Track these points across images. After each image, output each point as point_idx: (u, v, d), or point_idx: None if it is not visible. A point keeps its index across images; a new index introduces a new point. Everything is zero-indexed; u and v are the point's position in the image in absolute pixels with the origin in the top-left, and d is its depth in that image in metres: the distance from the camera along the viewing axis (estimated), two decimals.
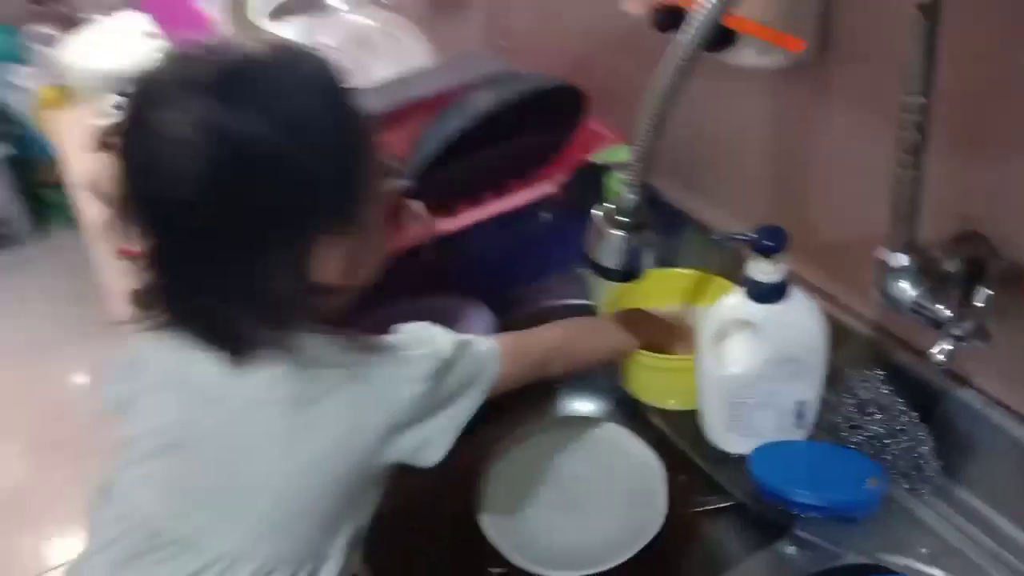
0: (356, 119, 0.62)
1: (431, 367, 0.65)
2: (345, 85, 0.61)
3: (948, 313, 0.61)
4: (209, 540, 0.62)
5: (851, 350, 0.80)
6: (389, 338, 0.67)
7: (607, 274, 0.68)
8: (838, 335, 0.79)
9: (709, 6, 0.54)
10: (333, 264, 0.62)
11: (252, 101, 0.56)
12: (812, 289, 0.80)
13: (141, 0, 1.32)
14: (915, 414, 0.74)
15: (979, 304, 0.61)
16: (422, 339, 0.68)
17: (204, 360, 0.62)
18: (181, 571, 0.62)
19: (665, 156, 0.99)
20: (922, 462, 0.74)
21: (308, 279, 0.61)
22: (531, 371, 0.79)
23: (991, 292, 0.61)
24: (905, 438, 0.75)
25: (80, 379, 2.32)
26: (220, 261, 0.59)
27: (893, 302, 0.64)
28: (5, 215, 2.80)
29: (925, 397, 0.74)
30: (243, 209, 0.57)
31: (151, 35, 1.81)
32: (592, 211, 0.68)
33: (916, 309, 0.63)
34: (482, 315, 0.96)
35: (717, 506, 0.85)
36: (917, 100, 0.57)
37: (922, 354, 0.74)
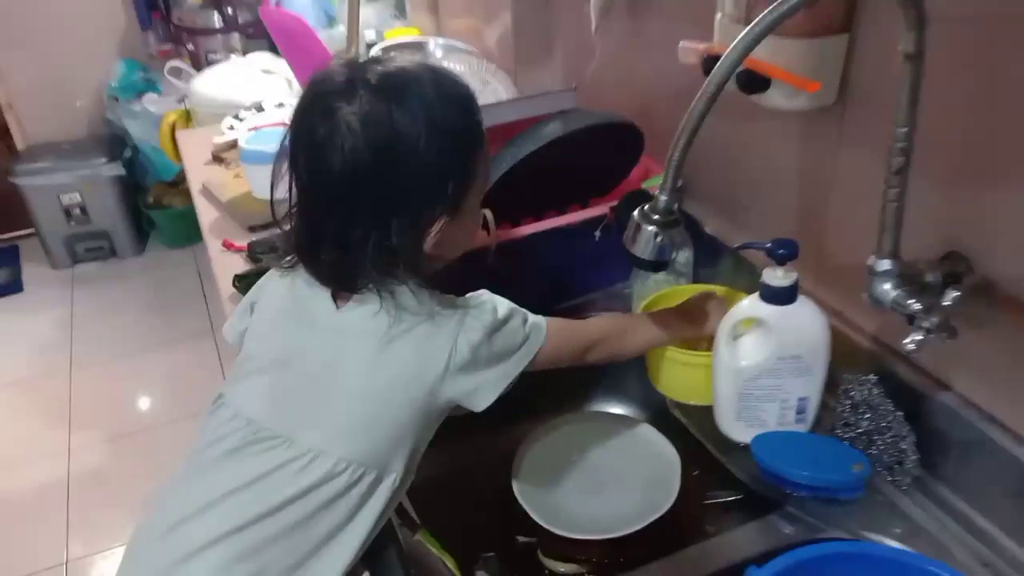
0: (478, 127, 0.79)
1: (488, 321, 0.80)
2: (472, 100, 0.79)
3: (918, 307, 0.73)
4: (299, 436, 0.77)
5: (849, 357, 0.91)
6: (459, 297, 0.82)
7: (641, 264, 0.82)
8: (839, 343, 0.91)
9: (733, 54, 0.69)
10: (440, 237, 0.78)
11: (406, 102, 0.73)
12: (818, 300, 0.92)
13: (274, 35, 1.52)
14: (900, 414, 0.85)
15: (946, 303, 0.73)
16: (484, 301, 0.83)
17: (314, 297, 0.79)
18: (274, 461, 0.77)
19: (704, 187, 1.15)
20: (904, 456, 0.85)
21: (421, 246, 0.77)
22: (572, 355, 0.92)
23: (958, 293, 0.73)
24: (890, 434, 0.86)
25: (155, 381, 2.53)
26: (358, 221, 0.75)
27: (876, 301, 0.77)
28: (110, 230, 3.08)
29: (911, 399, 0.85)
30: (387, 184, 0.73)
31: (268, 71, 2.06)
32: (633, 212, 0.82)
33: (894, 307, 0.75)
34: None
35: (726, 499, 0.96)
36: (902, 130, 0.71)
37: (910, 361, 0.87)
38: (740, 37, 0.68)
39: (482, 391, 0.81)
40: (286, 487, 0.76)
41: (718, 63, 0.70)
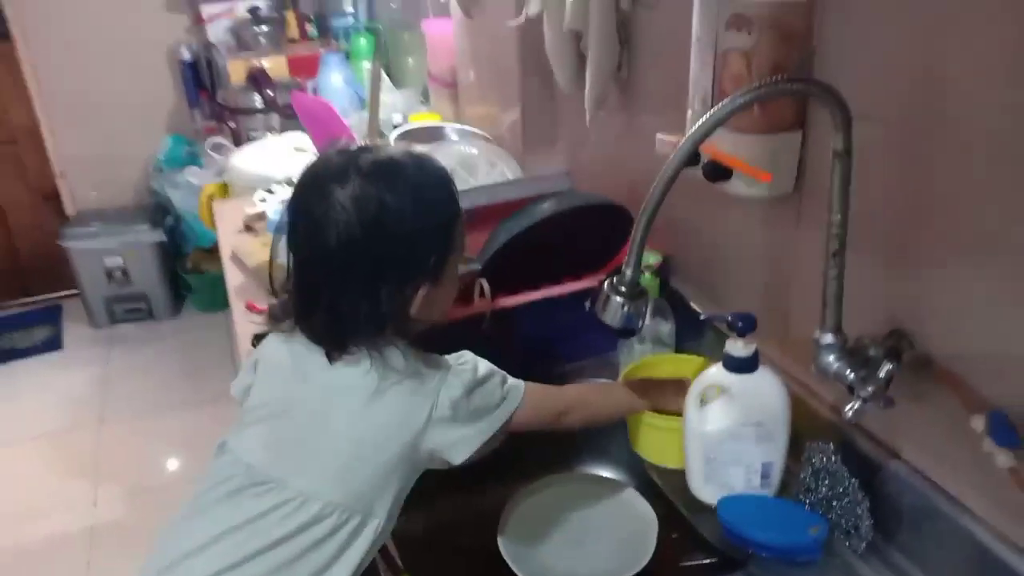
0: (455, 204, 0.90)
1: (468, 380, 0.88)
2: (449, 181, 0.91)
3: (853, 377, 0.79)
4: (290, 481, 0.85)
5: (812, 425, 0.98)
6: (443, 357, 0.91)
7: (611, 331, 0.90)
8: (802, 412, 0.97)
9: (686, 144, 0.79)
10: (423, 302, 0.87)
11: (393, 184, 0.84)
12: (784, 370, 0.99)
13: (302, 118, 1.66)
14: (856, 480, 0.91)
15: (882, 375, 0.79)
16: (466, 361, 0.91)
17: (309, 355, 0.88)
18: (267, 503, 0.85)
19: (687, 267, 1.24)
20: (859, 521, 0.90)
21: (407, 311, 0.86)
22: (548, 418, 1.00)
23: (891, 366, 0.79)
24: (847, 500, 0.91)
25: (180, 439, 2.62)
26: (350, 289, 0.84)
27: (821, 371, 0.84)
28: (149, 293, 3.23)
29: (866, 466, 0.91)
30: (376, 256, 0.83)
31: (300, 149, 2.21)
32: (602, 284, 0.91)
33: (836, 378, 0.82)
34: None
35: (701, 562, 1.01)
36: (836, 216, 0.79)
37: (866, 431, 0.93)
38: (691, 130, 0.78)
39: (460, 445, 0.89)
40: (277, 528, 0.84)
41: (673, 152, 0.79)
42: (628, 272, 0.87)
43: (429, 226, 0.85)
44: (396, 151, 0.89)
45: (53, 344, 3.18)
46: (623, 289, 0.88)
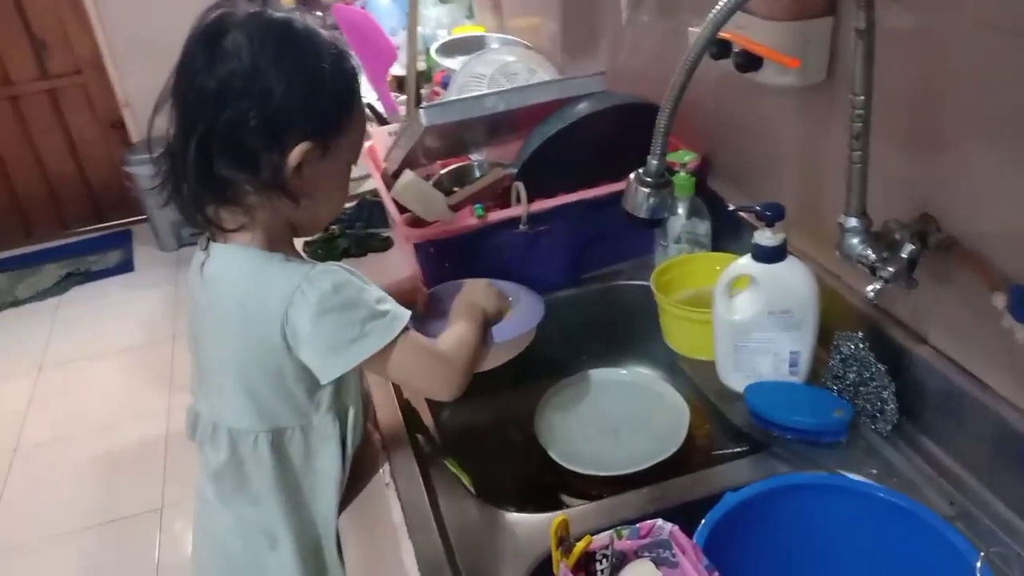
0: (342, 81, 0.84)
1: (316, 300, 0.82)
2: (337, 58, 0.84)
3: (874, 258, 0.80)
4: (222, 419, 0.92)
5: (843, 315, 0.99)
6: (304, 265, 0.85)
7: (636, 221, 0.93)
8: (834, 303, 0.98)
9: (706, 30, 0.79)
10: (308, 171, 0.82)
11: (263, 41, 0.79)
12: (818, 263, 1.00)
13: (345, 31, 1.69)
14: (883, 367, 0.92)
15: (903, 255, 0.80)
16: (327, 276, 0.83)
17: (195, 272, 0.89)
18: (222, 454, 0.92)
19: (724, 165, 1.24)
20: (885, 405, 0.92)
21: (282, 167, 0.81)
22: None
23: (913, 246, 0.80)
24: (874, 385, 0.93)
25: None
26: (207, 146, 0.79)
27: (845, 255, 0.85)
28: None
29: (893, 353, 0.92)
30: (230, 110, 0.79)
31: None
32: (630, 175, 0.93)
33: (859, 260, 0.83)
34: (535, 303, 1.11)
35: (733, 450, 1.05)
36: (859, 98, 0.79)
37: (895, 319, 0.94)
38: (711, 14, 0.78)
39: (319, 371, 0.86)
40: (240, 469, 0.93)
41: (695, 37, 0.80)
42: (653, 162, 0.89)
43: (294, 90, 0.79)
44: (290, 17, 0.84)
45: (126, 266, 3.34)
46: (648, 179, 0.90)
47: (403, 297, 0.97)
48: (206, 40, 0.80)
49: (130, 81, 3.45)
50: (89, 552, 2.17)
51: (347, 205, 1.55)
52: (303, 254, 0.97)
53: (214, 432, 0.92)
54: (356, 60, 0.90)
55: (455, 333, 0.96)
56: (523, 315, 1.07)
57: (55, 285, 3.33)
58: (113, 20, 3.34)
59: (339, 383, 0.90)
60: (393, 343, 0.86)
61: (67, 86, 3.52)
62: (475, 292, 1.07)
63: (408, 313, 0.89)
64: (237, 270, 0.86)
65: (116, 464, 2.42)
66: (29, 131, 3.57)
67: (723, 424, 1.05)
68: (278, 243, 0.88)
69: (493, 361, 1.03)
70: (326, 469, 0.92)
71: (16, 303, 3.27)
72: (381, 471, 0.97)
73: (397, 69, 1.86)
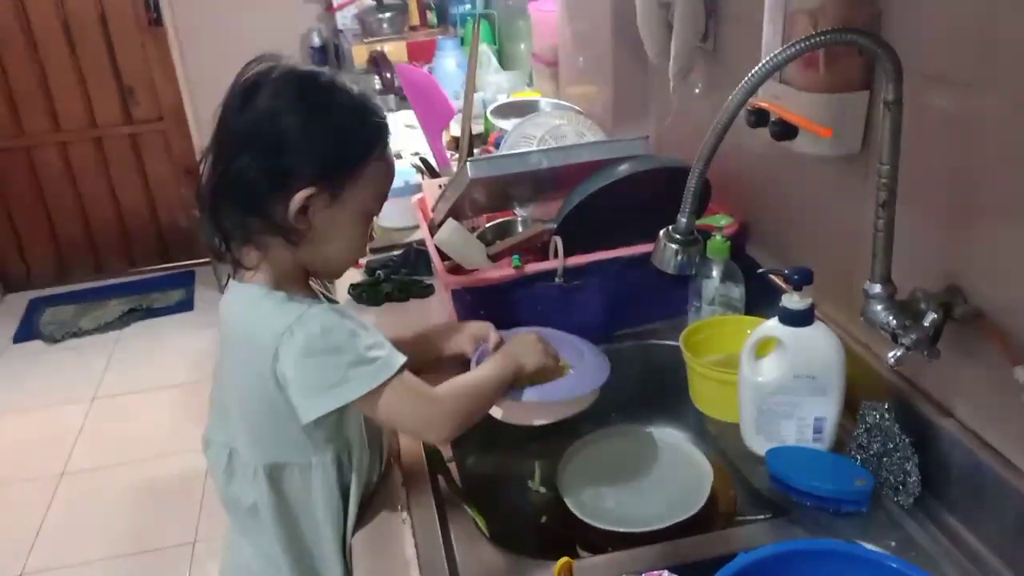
0: (365, 130, 0.89)
1: (302, 342, 0.84)
2: (362, 106, 0.90)
3: (896, 324, 0.81)
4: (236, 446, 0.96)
5: (870, 384, 0.98)
6: (300, 305, 0.88)
7: (663, 276, 0.95)
8: (862, 371, 0.98)
9: (739, 95, 0.82)
10: (313, 216, 0.86)
11: (287, 92, 0.85)
12: (848, 332, 1.00)
13: (406, 89, 1.77)
14: (908, 438, 0.91)
15: (926, 323, 0.80)
16: (314, 318, 0.86)
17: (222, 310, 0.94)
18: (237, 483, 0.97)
19: (760, 232, 1.25)
20: (908, 478, 0.91)
21: (285, 210, 0.85)
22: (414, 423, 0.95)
23: (935, 315, 0.80)
24: (897, 456, 0.92)
25: None
26: (230, 188, 0.86)
27: (869, 320, 0.85)
28: None
29: (919, 424, 0.91)
30: (249, 157, 0.85)
31: (409, 126, 2.32)
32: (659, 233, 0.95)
33: (882, 327, 0.84)
34: (598, 365, 1.10)
35: (755, 518, 1.04)
36: (885, 167, 0.81)
37: (921, 391, 0.93)
38: (744, 81, 0.81)
39: (300, 410, 0.88)
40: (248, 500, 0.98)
41: (727, 102, 0.83)
42: (683, 219, 0.91)
43: (311, 136, 0.85)
44: (318, 72, 0.89)
45: (186, 305, 3.47)
46: (677, 236, 0.92)
47: (476, 340, 1.07)
48: (240, 90, 0.88)
49: (207, 130, 3.63)
50: None
51: (394, 253, 1.61)
52: (325, 293, 1.01)
53: (229, 461, 0.96)
54: (385, 118, 0.93)
55: (462, 378, 0.98)
56: (583, 376, 1.07)
57: (117, 319, 3.47)
58: (196, 73, 3.54)
59: (339, 423, 0.92)
60: (380, 388, 0.87)
61: (148, 131, 3.73)
62: (520, 344, 1.05)
63: (400, 360, 0.89)
64: (241, 306, 0.91)
65: (155, 496, 2.47)
66: (109, 172, 3.78)
67: (746, 488, 1.04)
68: (288, 283, 0.91)
69: (544, 417, 1.05)
70: (323, 510, 0.95)
71: (79, 334, 3.41)
72: (399, 507, 0.98)
73: (456, 129, 1.93)
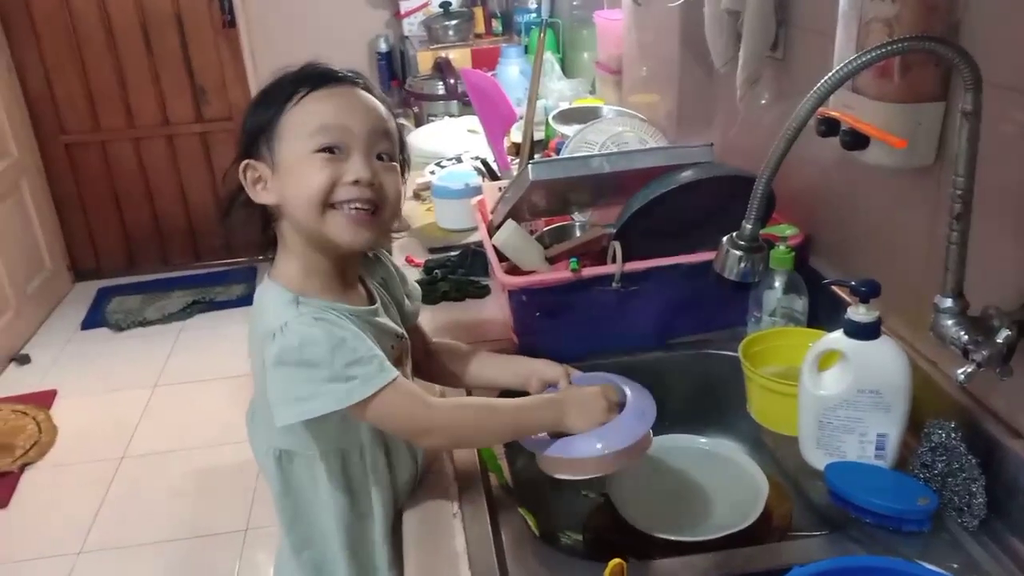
0: (277, 97, 0.92)
1: (276, 353, 0.85)
2: (286, 80, 0.93)
3: (967, 340, 0.78)
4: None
5: (937, 402, 0.96)
6: (289, 310, 0.88)
7: (723, 284, 0.94)
8: (929, 389, 0.96)
9: (808, 103, 0.81)
10: (270, 187, 0.90)
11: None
12: (916, 350, 0.97)
13: (471, 92, 1.79)
14: (975, 459, 0.88)
15: (999, 340, 0.78)
16: (290, 332, 0.85)
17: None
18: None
19: (826, 243, 1.23)
20: (973, 499, 0.88)
21: (243, 189, 0.92)
22: (402, 433, 0.96)
23: (1009, 332, 0.78)
24: (963, 476, 0.89)
25: None
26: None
27: (939, 335, 0.83)
28: None
29: (986, 445, 0.89)
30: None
31: (472, 131, 2.35)
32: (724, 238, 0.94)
33: (952, 342, 0.81)
34: (645, 401, 1.00)
35: (812, 534, 1.02)
36: (960, 179, 0.79)
37: (990, 411, 0.90)
38: (815, 88, 0.80)
39: (273, 413, 0.89)
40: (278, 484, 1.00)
41: (797, 109, 0.82)
42: (748, 226, 0.90)
43: (253, 113, 0.93)
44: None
45: (247, 300, 3.51)
46: (742, 243, 0.91)
47: (544, 383, 1.05)
48: None
49: None
50: (172, 563, 2.26)
51: (452, 253, 1.63)
52: (373, 289, 1.02)
53: (257, 437, 1.00)
54: (314, 67, 0.95)
55: (481, 399, 1.00)
56: (618, 427, 0.95)
57: (181, 311, 3.57)
58: (266, 74, 3.60)
59: (345, 422, 0.92)
60: (366, 401, 0.87)
61: (218, 130, 3.83)
62: (578, 399, 0.96)
63: (386, 378, 0.87)
64: (259, 299, 0.94)
65: (210, 483, 2.53)
66: (179, 168, 3.90)
67: (802, 502, 1.03)
68: (311, 278, 0.93)
69: (572, 473, 0.96)
70: (326, 505, 0.97)
71: (144, 323, 3.52)
72: (451, 500, 0.99)
73: (518, 135, 1.94)
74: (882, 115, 0.95)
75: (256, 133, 0.92)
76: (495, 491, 1.03)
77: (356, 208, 0.90)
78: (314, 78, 0.92)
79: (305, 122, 0.90)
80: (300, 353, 0.85)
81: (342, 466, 0.96)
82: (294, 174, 0.90)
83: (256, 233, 0.97)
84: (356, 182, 0.89)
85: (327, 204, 0.89)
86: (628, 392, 0.99)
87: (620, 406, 0.97)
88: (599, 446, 0.92)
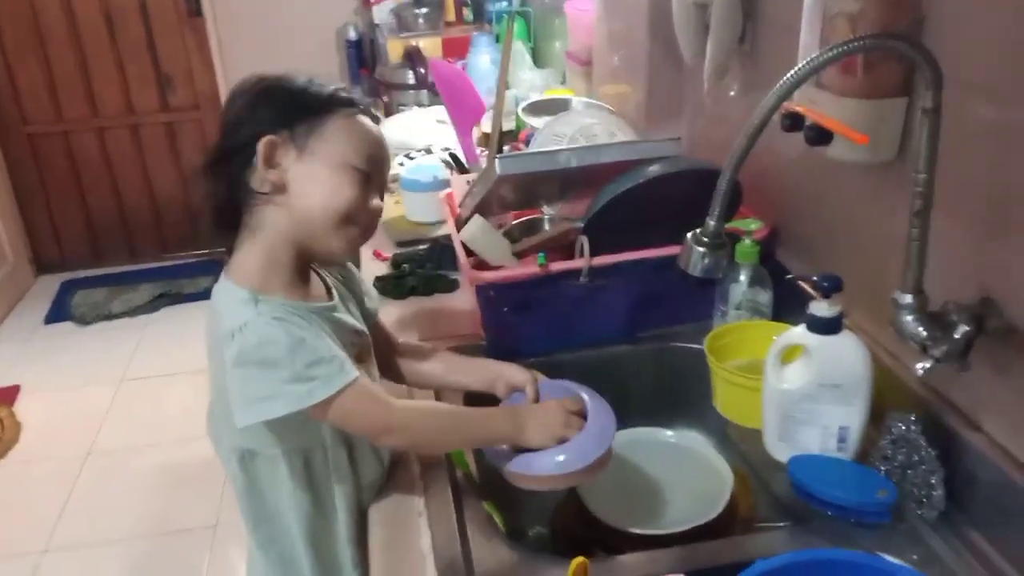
0: (310, 97, 0.91)
1: (235, 354, 0.85)
2: (293, 84, 0.93)
3: (926, 335, 0.79)
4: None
5: (899, 396, 0.97)
6: (249, 308, 0.87)
7: (689, 279, 0.94)
8: (890, 383, 0.97)
9: (772, 98, 0.81)
10: (286, 177, 0.89)
11: (246, 86, 0.93)
12: (879, 343, 0.98)
13: (438, 84, 1.77)
14: (934, 451, 0.90)
15: (956, 336, 0.79)
16: (249, 330, 0.85)
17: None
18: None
19: (792, 237, 1.24)
20: (932, 491, 0.89)
21: (248, 173, 0.89)
22: (362, 431, 0.94)
23: (968, 328, 0.79)
24: (922, 469, 0.90)
25: None
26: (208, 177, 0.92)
27: (899, 331, 0.84)
28: None
29: (946, 438, 0.90)
30: (220, 146, 0.92)
31: (441, 121, 2.33)
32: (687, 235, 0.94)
33: (911, 337, 0.82)
34: (606, 418, 0.99)
35: (775, 525, 1.03)
36: (921, 176, 0.79)
37: (950, 403, 0.92)
38: (778, 84, 0.80)
39: (235, 415, 0.88)
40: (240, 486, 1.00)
41: (760, 104, 0.82)
42: (711, 222, 0.91)
43: (265, 101, 0.91)
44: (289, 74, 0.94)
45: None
46: (705, 239, 0.91)
47: (511, 387, 1.05)
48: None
49: None
50: (140, 560, 2.24)
51: (420, 247, 1.61)
52: (332, 285, 1.01)
53: (219, 437, 0.99)
54: (348, 94, 0.95)
55: (444, 405, 1.00)
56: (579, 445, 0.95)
57: (147, 303, 3.52)
58: (233, 63, 3.57)
59: (305, 421, 0.90)
60: (328, 400, 0.86)
61: (184, 120, 3.77)
62: (539, 415, 0.96)
63: (347, 378, 0.87)
64: (215, 299, 0.92)
65: (179, 478, 2.51)
66: (144, 159, 3.83)
67: (766, 495, 1.03)
68: (269, 271, 0.91)
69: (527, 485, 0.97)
70: (288, 504, 0.96)
71: (109, 316, 3.46)
72: (417, 496, 0.99)
73: (487, 126, 1.93)
74: (845, 111, 0.96)
75: (291, 109, 0.90)
76: (462, 485, 1.03)
77: (363, 234, 0.95)
78: (348, 101, 0.94)
79: (351, 137, 0.91)
80: (259, 353, 0.84)
81: (304, 465, 0.95)
82: (327, 178, 0.90)
83: (212, 213, 0.93)
84: (375, 212, 0.95)
85: (345, 219, 0.90)
86: (589, 406, 0.98)
87: (581, 415, 0.97)
88: (560, 460, 0.93)
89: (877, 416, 0.97)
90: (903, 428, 0.93)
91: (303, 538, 0.97)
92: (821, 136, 1.00)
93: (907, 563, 0.84)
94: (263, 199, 0.90)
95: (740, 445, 1.10)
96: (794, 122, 1.05)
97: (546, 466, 0.94)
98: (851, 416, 0.96)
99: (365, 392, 0.90)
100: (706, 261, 0.92)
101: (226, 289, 0.91)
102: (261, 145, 0.88)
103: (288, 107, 0.91)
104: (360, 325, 1.01)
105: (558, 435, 0.94)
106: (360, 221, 0.92)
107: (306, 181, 0.90)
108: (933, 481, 0.89)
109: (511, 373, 1.07)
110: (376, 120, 0.97)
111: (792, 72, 0.79)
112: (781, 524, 1.00)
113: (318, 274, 1.00)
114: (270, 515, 0.98)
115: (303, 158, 0.89)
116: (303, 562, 0.99)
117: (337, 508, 0.97)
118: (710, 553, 0.91)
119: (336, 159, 0.90)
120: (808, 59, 0.79)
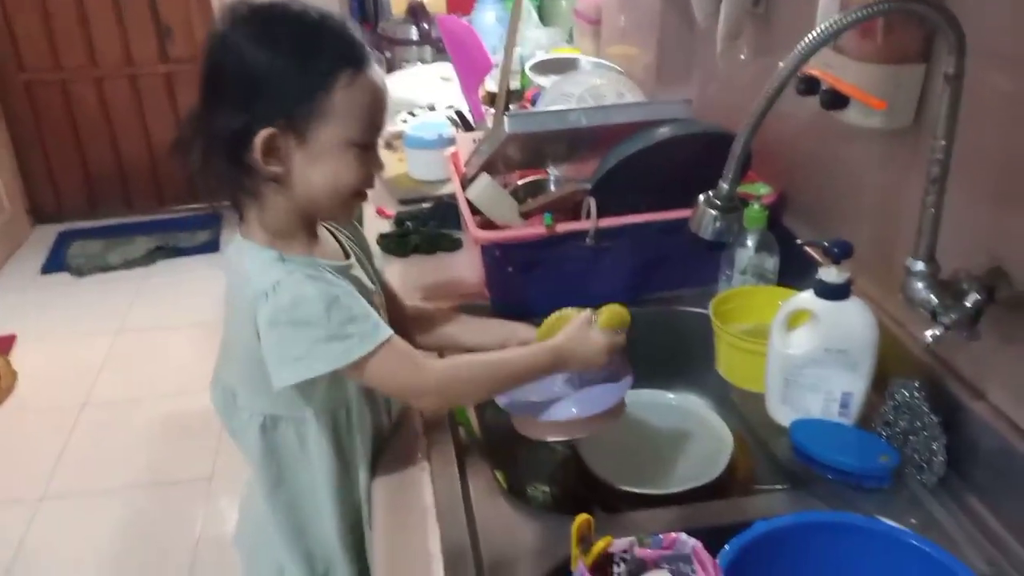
0: (333, 58, 0.83)
1: (270, 313, 0.82)
2: (334, 33, 0.84)
3: (937, 303, 0.79)
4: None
5: (902, 362, 0.97)
6: (279, 268, 0.85)
7: (696, 243, 0.94)
8: (895, 349, 0.97)
9: (791, 62, 0.80)
10: (285, 162, 0.84)
11: (248, 25, 0.82)
12: (885, 310, 0.98)
13: (446, 40, 1.75)
14: (937, 418, 0.90)
15: (967, 304, 0.79)
16: (284, 290, 0.82)
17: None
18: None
19: (800, 203, 1.23)
20: (934, 457, 0.90)
21: (247, 153, 0.82)
22: (397, 394, 0.96)
23: (979, 297, 0.79)
24: (924, 435, 0.91)
25: None
26: (202, 131, 0.86)
27: (908, 298, 0.84)
28: None
29: (949, 405, 0.90)
30: (216, 96, 0.86)
31: (445, 79, 2.30)
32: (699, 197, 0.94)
33: (921, 305, 0.82)
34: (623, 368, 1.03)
35: (774, 488, 1.04)
36: (940, 143, 0.79)
37: (954, 371, 0.92)
38: (797, 47, 0.79)
39: (271, 377, 0.86)
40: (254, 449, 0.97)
41: (779, 67, 0.81)
42: (724, 185, 0.90)
43: (259, 76, 0.81)
44: (294, 3, 0.84)
45: (212, 246, 3.49)
46: (718, 202, 0.91)
47: (524, 343, 1.02)
48: (211, 32, 0.85)
49: None
50: (136, 510, 2.26)
51: (424, 205, 1.60)
52: (345, 243, 1.00)
53: (232, 403, 0.96)
54: (354, 34, 0.86)
55: (475, 356, 0.95)
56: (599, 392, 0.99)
57: (144, 256, 3.51)
58: None
59: (335, 381, 0.90)
60: (364, 360, 0.85)
61: (183, 71, 3.72)
62: (582, 339, 0.97)
63: (382, 336, 0.86)
64: (237, 261, 0.89)
65: (174, 430, 2.52)
66: (143, 110, 3.79)
67: (767, 458, 1.04)
68: (286, 236, 0.89)
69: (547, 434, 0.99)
70: (318, 467, 0.95)
71: (106, 268, 3.45)
72: (419, 455, 0.99)
73: (493, 85, 1.91)
74: (863, 75, 0.95)
75: (288, 99, 0.83)
76: (464, 442, 1.03)
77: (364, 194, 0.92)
78: (349, 57, 0.84)
79: (354, 111, 0.85)
80: (292, 312, 0.82)
81: (333, 427, 0.94)
82: (328, 162, 0.85)
83: (221, 184, 0.89)
84: (378, 171, 0.92)
85: (351, 195, 0.89)
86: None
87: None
88: (573, 411, 0.94)
89: (880, 383, 0.97)
90: (906, 395, 0.93)
91: (330, 497, 0.96)
92: (837, 100, 0.98)
93: (906, 527, 0.86)
94: (262, 180, 0.86)
95: (741, 409, 1.11)
96: (809, 86, 1.04)
97: (560, 413, 0.95)
98: (855, 382, 0.97)
99: (401, 351, 0.89)
100: (718, 224, 0.91)
101: (250, 249, 0.88)
102: (259, 141, 0.82)
103: (291, 85, 0.83)
104: (372, 284, 1.01)
105: (602, 360, 0.97)
106: (363, 188, 0.91)
107: (308, 168, 0.85)
108: (934, 447, 0.90)
109: (523, 331, 1.07)
110: (380, 65, 0.90)
111: (812, 35, 0.78)
112: (781, 487, 1.01)
113: (330, 231, 0.99)
114: (291, 478, 0.97)
115: (304, 145, 0.84)
116: (326, 523, 0.98)
117: (359, 466, 0.97)
118: (711, 513, 0.92)
119: (339, 139, 0.85)
120: (829, 22, 0.77)
